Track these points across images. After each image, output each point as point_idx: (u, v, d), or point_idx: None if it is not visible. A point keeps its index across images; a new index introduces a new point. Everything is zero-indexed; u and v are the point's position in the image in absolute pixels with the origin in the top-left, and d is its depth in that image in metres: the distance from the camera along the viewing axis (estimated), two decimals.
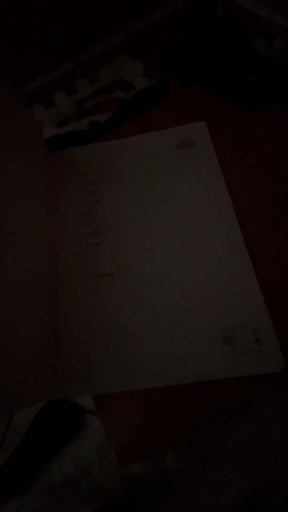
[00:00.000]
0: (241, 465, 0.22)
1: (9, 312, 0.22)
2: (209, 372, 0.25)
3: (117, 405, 0.26)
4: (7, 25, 0.36)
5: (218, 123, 0.36)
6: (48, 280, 0.30)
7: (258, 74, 0.38)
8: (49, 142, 0.39)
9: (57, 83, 0.42)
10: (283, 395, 0.24)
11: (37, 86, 0.41)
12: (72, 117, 0.41)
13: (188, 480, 0.23)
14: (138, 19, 0.43)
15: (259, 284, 0.27)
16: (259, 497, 0.20)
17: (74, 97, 0.42)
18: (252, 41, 0.40)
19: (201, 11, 0.44)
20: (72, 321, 0.29)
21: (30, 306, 0.25)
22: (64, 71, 0.42)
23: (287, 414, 0.24)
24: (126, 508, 0.25)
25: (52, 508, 0.28)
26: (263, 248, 0.29)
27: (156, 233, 0.31)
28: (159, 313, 0.28)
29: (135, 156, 0.36)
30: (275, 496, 0.20)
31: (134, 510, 0.24)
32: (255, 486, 0.21)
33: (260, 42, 0.39)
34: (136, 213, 0.33)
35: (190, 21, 0.45)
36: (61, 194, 0.35)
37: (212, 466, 0.23)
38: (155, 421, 0.25)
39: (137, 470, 0.25)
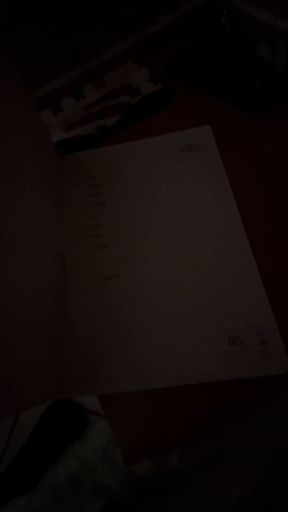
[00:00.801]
0: (244, 465, 0.22)
1: (15, 313, 0.22)
2: (214, 373, 0.25)
3: (122, 405, 0.26)
4: (16, 33, 0.37)
5: (222, 127, 0.37)
6: (55, 281, 0.30)
7: (262, 78, 0.38)
8: (57, 146, 0.40)
9: (65, 88, 0.43)
10: (287, 396, 0.24)
11: (46, 92, 0.42)
12: (79, 121, 0.42)
13: (192, 480, 0.23)
14: (144, 27, 0.44)
15: (264, 285, 0.27)
16: (263, 497, 0.20)
17: (82, 102, 0.43)
18: (257, 47, 0.40)
19: (206, 18, 0.45)
20: (79, 321, 0.29)
21: (37, 306, 0.26)
22: (72, 77, 0.43)
23: None
24: (131, 507, 0.25)
25: (58, 507, 0.28)
26: (268, 250, 0.29)
27: (161, 235, 0.32)
28: (165, 314, 0.28)
29: (141, 160, 0.37)
30: (279, 496, 0.20)
31: (138, 509, 0.24)
32: (259, 487, 0.21)
33: (264, 47, 0.40)
34: (141, 216, 0.33)
35: (195, 28, 0.45)
36: (69, 197, 0.36)
37: (216, 466, 0.23)
38: (160, 420, 0.25)
39: (141, 469, 0.25)
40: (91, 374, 0.27)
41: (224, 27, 0.45)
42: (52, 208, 0.34)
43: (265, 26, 0.42)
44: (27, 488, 0.34)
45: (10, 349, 0.21)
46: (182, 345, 0.26)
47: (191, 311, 0.28)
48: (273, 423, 0.23)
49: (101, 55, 0.43)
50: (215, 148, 0.35)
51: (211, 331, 0.26)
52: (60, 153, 0.39)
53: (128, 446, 0.25)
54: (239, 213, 0.31)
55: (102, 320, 0.29)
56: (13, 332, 0.22)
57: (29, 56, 0.39)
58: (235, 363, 0.25)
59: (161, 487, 0.24)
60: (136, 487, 0.26)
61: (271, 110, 0.37)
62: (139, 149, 0.37)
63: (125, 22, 0.42)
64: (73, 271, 0.32)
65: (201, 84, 0.41)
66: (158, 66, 0.44)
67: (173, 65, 0.44)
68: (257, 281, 0.28)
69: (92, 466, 0.32)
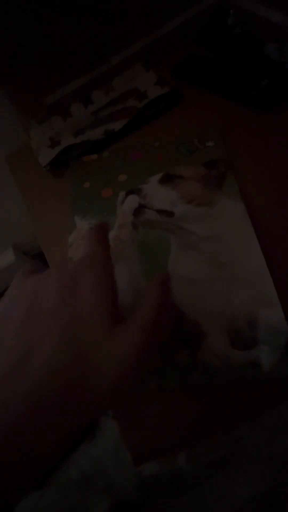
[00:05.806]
0: (252, 468, 0.22)
1: None
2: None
3: (131, 405, 0.26)
4: (28, 43, 0.39)
5: (230, 128, 0.37)
6: None
7: (271, 78, 0.38)
8: (66, 150, 0.41)
9: (74, 94, 0.44)
10: None
11: (56, 98, 0.43)
12: (88, 126, 0.43)
13: (200, 481, 0.23)
14: (151, 30, 0.44)
15: (279, 289, 0.26)
16: (270, 500, 0.20)
17: (90, 108, 0.43)
18: (265, 46, 0.40)
19: (214, 19, 0.45)
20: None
21: None
22: (81, 84, 0.43)
23: None
24: (139, 506, 0.25)
25: (69, 503, 0.29)
26: (283, 258, 0.28)
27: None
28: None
29: None
30: (286, 499, 0.20)
31: (147, 509, 0.25)
32: (266, 489, 0.20)
33: (272, 47, 0.39)
34: None
35: (203, 29, 0.46)
36: None
37: (224, 468, 0.23)
38: (168, 422, 0.25)
39: (150, 470, 0.26)
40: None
41: (232, 27, 0.45)
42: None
43: (273, 26, 0.42)
44: (38, 484, 0.35)
45: None
46: None
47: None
48: (281, 427, 0.23)
49: (110, 61, 0.44)
50: (223, 149, 0.35)
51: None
52: (69, 157, 0.40)
53: (136, 446, 0.25)
54: (249, 216, 0.31)
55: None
56: None
57: (40, 64, 0.40)
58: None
59: (169, 488, 0.25)
60: (145, 486, 0.26)
61: (279, 110, 0.37)
62: None
63: (133, 27, 0.43)
64: None
65: (209, 86, 0.41)
66: (166, 69, 0.45)
67: (181, 68, 0.44)
68: (271, 286, 0.27)
69: (102, 465, 0.33)
